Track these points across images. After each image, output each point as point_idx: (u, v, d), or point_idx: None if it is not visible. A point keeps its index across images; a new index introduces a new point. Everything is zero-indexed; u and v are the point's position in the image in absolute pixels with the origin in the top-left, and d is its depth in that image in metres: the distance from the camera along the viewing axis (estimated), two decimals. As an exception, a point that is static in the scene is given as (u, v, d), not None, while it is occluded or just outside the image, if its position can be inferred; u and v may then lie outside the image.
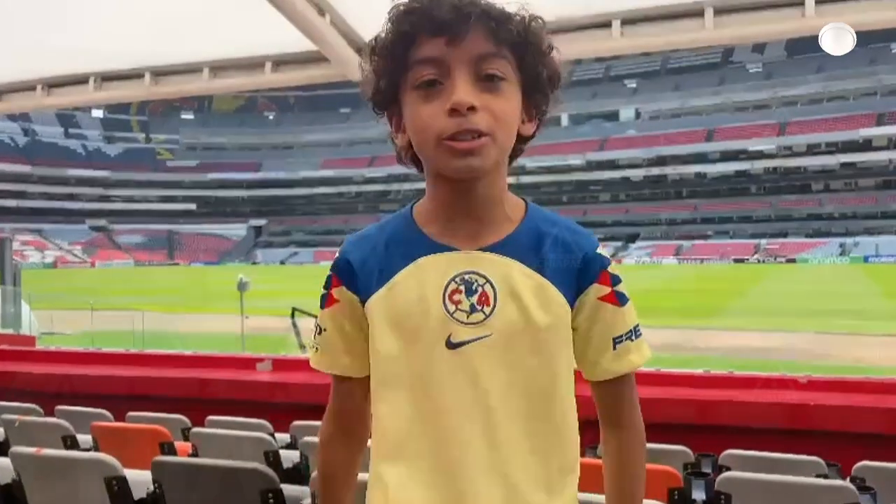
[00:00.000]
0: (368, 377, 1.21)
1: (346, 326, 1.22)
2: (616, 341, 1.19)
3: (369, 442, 1.25)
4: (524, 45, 1.11)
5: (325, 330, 1.25)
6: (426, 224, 1.18)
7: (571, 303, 1.16)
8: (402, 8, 1.11)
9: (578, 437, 1.21)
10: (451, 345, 1.13)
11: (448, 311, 1.13)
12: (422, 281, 1.15)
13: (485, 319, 1.12)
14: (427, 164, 1.16)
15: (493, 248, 1.15)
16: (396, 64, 1.12)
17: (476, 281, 1.13)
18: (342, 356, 1.24)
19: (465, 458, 1.12)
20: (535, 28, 1.12)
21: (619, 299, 1.18)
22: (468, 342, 1.12)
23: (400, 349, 1.15)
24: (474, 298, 1.13)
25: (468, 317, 1.13)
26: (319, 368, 1.27)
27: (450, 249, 1.15)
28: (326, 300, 1.23)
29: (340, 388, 1.28)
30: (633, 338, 1.20)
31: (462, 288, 1.13)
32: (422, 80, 1.10)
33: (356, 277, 1.19)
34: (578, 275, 1.16)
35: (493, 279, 1.13)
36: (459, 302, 1.13)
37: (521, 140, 1.18)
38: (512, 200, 1.19)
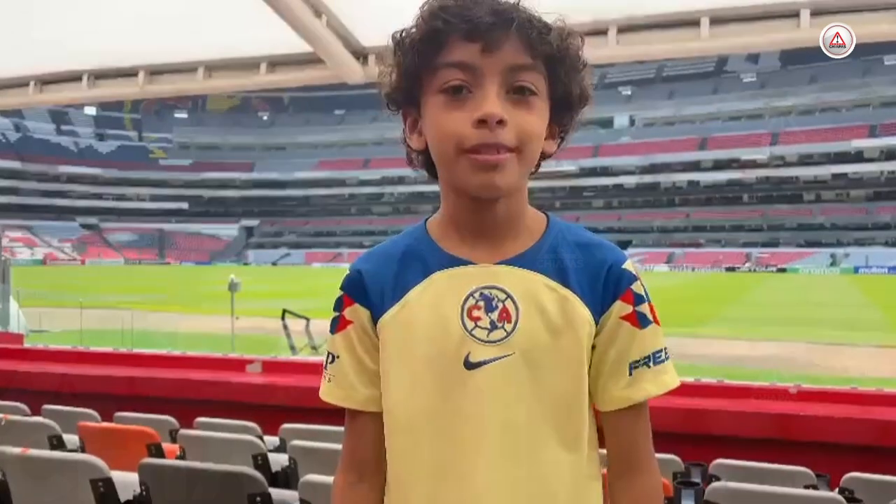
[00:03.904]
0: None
1: (361, 352, 1.12)
2: (632, 366, 1.08)
3: None
4: (560, 60, 1.03)
5: (338, 357, 1.13)
6: (441, 238, 1.10)
7: (596, 319, 1.07)
8: (436, 3, 1.02)
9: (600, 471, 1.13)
10: (469, 365, 1.04)
11: (466, 329, 1.04)
12: (438, 297, 1.07)
13: (506, 337, 1.04)
14: (444, 175, 1.08)
15: (514, 262, 1.07)
16: (422, 63, 1.03)
17: (496, 296, 1.05)
18: (359, 387, 1.12)
19: (488, 488, 1.03)
20: (572, 44, 1.05)
21: (640, 320, 1.08)
22: (488, 362, 1.04)
23: (415, 374, 1.06)
24: (495, 315, 1.05)
25: (488, 335, 1.04)
26: (332, 402, 1.14)
27: (467, 263, 1.07)
28: (338, 323, 1.13)
29: (356, 424, 1.14)
30: (651, 364, 1.09)
31: (481, 304, 1.05)
32: (449, 84, 1.01)
33: (368, 291, 1.10)
34: (604, 290, 1.07)
35: (514, 294, 1.05)
36: (479, 318, 1.05)
37: (541, 157, 1.09)
38: (532, 214, 1.12)
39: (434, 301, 1.07)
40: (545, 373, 1.04)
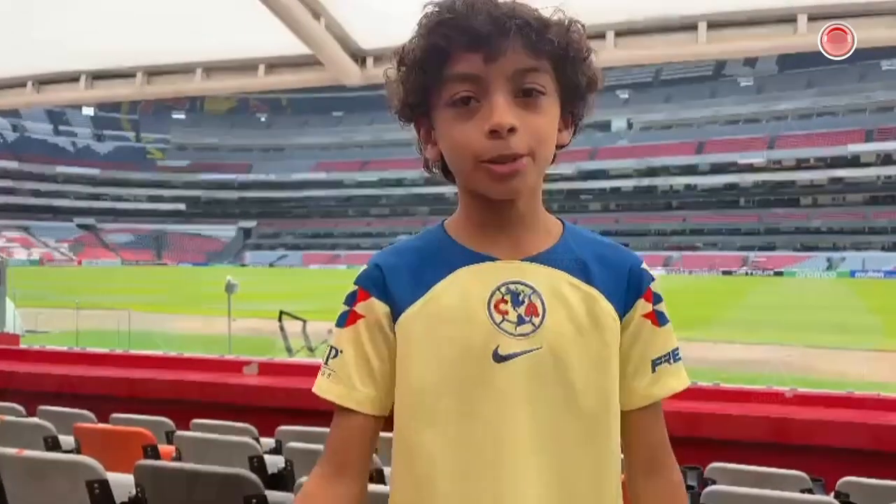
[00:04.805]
0: (384, 417, 1.08)
1: (369, 348, 1.08)
2: (655, 363, 1.11)
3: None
4: (564, 55, 1.03)
5: (341, 352, 1.08)
6: (462, 237, 1.10)
7: (620, 317, 1.09)
8: (434, 18, 1.01)
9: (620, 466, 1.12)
10: (498, 357, 1.03)
11: (495, 322, 1.04)
12: (464, 291, 1.05)
13: (534, 331, 1.04)
14: (462, 183, 1.08)
15: (537, 259, 1.08)
16: (428, 78, 1.03)
17: (522, 291, 1.05)
18: (361, 386, 1.07)
19: (519, 481, 1.02)
20: (574, 35, 1.04)
21: (659, 319, 1.11)
22: (517, 355, 1.03)
23: (441, 367, 1.04)
24: (522, 309, 1.04)
25: (516, 328, 1.03)
26: (328, 398, 1.08)
27: (491, 259, 1.07)
28: (347, 318, 1.09)
29: (348, 424, 1.08)
30: (672, 361, 1.12)
31: (508, 298, 1.05)
32: (456, 97, 1.01)
33: (389, 286, 1.07)
34: (627, 289, 1.09)
35: (539, 289, 1.05)
36: (506, 312, 1.04)
37: (556, 147, 1.10)
38: (548, 217, 1.14)
39: (461, 295, 1.05)
40: (573, 367, 1.04)
